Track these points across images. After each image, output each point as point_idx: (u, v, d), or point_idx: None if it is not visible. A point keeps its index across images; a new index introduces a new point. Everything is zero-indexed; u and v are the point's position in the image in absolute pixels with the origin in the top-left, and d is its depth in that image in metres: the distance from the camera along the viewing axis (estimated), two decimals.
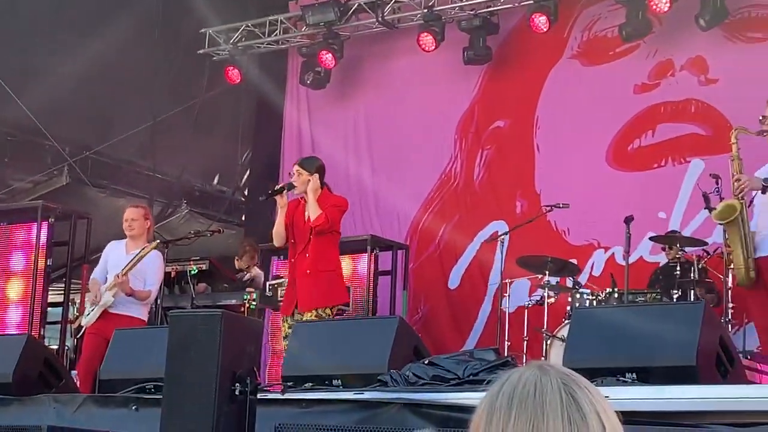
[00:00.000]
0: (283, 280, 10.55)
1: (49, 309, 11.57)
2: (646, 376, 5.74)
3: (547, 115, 12.25)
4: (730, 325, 8.91)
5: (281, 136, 14.17)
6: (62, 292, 11.86)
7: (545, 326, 9.97)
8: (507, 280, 10.56)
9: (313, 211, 8.57)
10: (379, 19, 12.77)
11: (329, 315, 8.57)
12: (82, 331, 9.60)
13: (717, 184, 8.32)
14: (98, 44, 12.53)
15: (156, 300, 10.00)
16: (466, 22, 12.29)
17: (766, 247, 7.41)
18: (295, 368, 7.10)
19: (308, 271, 8.57)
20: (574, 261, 10.94)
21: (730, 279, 8.70)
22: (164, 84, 13.88)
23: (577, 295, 9.96)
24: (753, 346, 8.98)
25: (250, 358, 6.00)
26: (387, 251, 11.83)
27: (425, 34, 12.32)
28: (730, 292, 8.88)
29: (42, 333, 11.19)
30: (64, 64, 12.47)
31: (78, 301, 11.63)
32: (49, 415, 7.06)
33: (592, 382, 5.58)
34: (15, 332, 10.69)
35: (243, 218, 15.71)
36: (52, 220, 11.31)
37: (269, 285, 10.71)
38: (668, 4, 10.95)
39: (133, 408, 6.79)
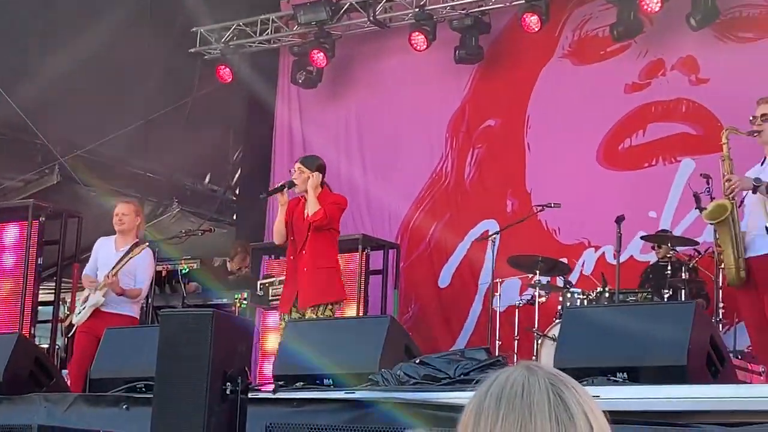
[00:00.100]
0: (274, 279, 10.56)
1: (39, 308, 11.56)
2: (637, 375, 5.76)
3: (538, 115, 12.26)
4: (720, 325, 8.93)
5: (272, 135, 14.17)
6: (53, 290, 11.85)
7: (536, 326, 9.97)
8: (498, 280, 10.56)
9: (312, 207, 8.63)
10: (371, 18, 12.77)
11: (331, 313, 8.62)
12: (74, 329, 9.58)
13: (708, 184, 8.33)
14: (89, 43, 12.51)
15: (147, 299, 9.99)
16: (458, 21, 12.29)
17: (757, 247, 7.42)
18: (286, 367, 7.10)
19: (305, 269, 8.61)
20: (565, 260, 10.95)
21: (720, 279, 8.71)
22: (155, 83, 13.86)
23: (568, 295, 9.96)
24: (744, 346, 9.00)
25: (241, 357, 6.00)
26: (378, 250, 11.84)
27: (417, 33, 12.32)
28: (720, 291, 8.90)
29: (33, 332, 11.17)
30: (55, 63, 12.45)
31: (69, 300, 11.62)
32: (39, 414, 7.06)
33: (582, 381, 5.60)
34: (5, 331, 10.67)
35: (234, 217, 15.70)
36: (43, 218, 11.30)
37: (260, 284, 10.71)
38: (659, 4, 10.97)
39: (124, 407, 6.79)
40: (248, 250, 12.27)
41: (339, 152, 13.17)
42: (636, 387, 5.62)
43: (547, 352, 9.40)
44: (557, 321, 9.55)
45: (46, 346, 11.43)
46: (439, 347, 10.69)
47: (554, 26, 12.10)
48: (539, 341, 9.85)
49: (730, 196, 7.47)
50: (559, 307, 10.00)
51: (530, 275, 10.33)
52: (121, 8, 12.86)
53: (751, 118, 7.65)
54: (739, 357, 8.74)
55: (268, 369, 9.79)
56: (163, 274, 11.35)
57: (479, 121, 12.69)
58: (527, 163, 12.23)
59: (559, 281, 10.51)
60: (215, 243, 13.45)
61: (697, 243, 9.95)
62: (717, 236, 7.72)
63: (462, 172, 12.70)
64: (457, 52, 12.32)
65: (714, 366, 5.88)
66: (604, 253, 11.31)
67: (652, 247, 10.64)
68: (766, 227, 7.28)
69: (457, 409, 1.93)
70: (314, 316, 8.47)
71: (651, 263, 10.59)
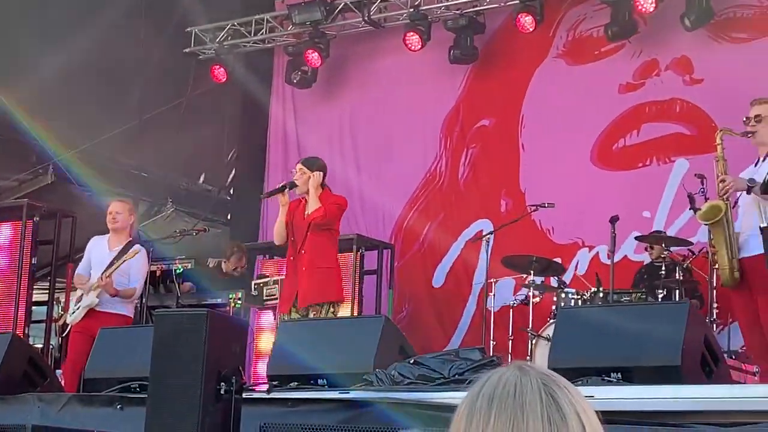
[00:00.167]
0: (268, 279, 10.57)
1: (33, 308, 11.56)
2: (631, 375, 5.76)
3: (533, 115, 12.27)
4: (714, 325, 8.94)
5: (267, 135, 14.16)
6: (47, 290, 11.83)
7: (530, 326, 9.98)
8: (492, 280, 10.57)
9: (312, 205, 8.74)
10: (366, 18, 12.77)
11: (333, 313, 8.68)
12: (68, 329, 9.58)
13: (702, 184, 8.34)
14: (84, 42, 12.49)
15: (141, 299, 9.99)
16: (452, 21, 12.29)
17: (750, 247, 7.43)
18: (280, 367, 7.10)
19: (304, 268, 8.67)
20: (559, 260, 10.95)
21: (714, 279, 8.72)
22: (150, 83, 13.85)
23: (563, 295, 9.97)
24: (737, 346, 9.02)
25: (235, 357, 6.00)
26: (373, 250, 11.85)
27: (411, 33, 12.32)
28: (714, 292, 8.91)
29: (27, 332, 11.17)
30: (50, 62, 12.43)
31: (63, 299, 11.60)
32: (33, 414, 7.05)
33: (577, 381, 5.59)
34: None
35: (228, 217, 15.69)
36: (37, 218, 11.29)
37: (254, 284, 10.71)
38: (654, 5, 10.97)
39: (118, 407, 6.78)
40: (244, 250, 12.26)
41: (333, 152, 13.17)
42: (630, 387, 5.62)
43: (541, 353, 9.40)
44: (551, 321, 9.56)
45: (40, 345, 11.41)
46: (434, 347, 10.68)
47: (548, 26, 12.10)
48: (533, 341, 9.85)
49: (725, 196, 7.48)
50: (554, 308, 10.01)
51: (524, 275, 10.34)
52: (115, 8, 12.84)
53: (744, 119, 7.66)
54: (733, 357, 8.77)
55: (262, 369, 9.80)
56: (158, 274, 11.34)
57: (473, 121, 12.69)
58: (521, 162, 12.23)
59: (553, 281, 10.52)
60: (210, 243, 13.45)
61: (691, 243, 9.97)
62: (711, 237, 7.73)
63: (456, 172, 12.70)
64: (451, 52, 12.32)
65: (708, 366, 5.89)
66: (598, 252, 11.32)
67: (646, 248, 10.65)
68: (760, 228, 7.29)
69: (452, 409, 1.93)
70: (317, 316, 8.53)
71: (645, 263, 10.61)
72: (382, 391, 6.08)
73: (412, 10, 12.43)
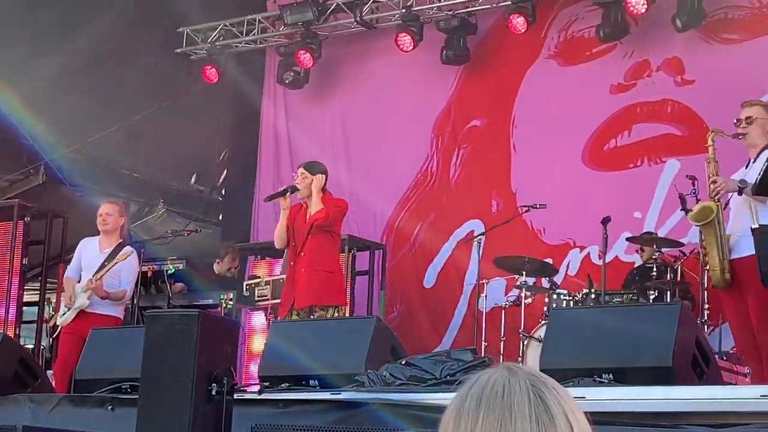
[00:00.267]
0: (260, 279, 10.56)
1: (24, 308, 11.54)
2: (623, 376, 5.77)
3: (524, 115, 12.27)
4: (706, 326, 8.96)
5: (259, 135, 14.15)
6: (38, 291, 11.82)
7: (522, 327, 9.98)
8: (483, 281, 10.57)
9: (315, 206, 8.84)
10: (358, 19, 12.77)
11: (335, 314, 8.75)
12: (58, 330, 9.57)
13: (694, 185, 8.35)
14: (75, 43, 12.48)
15: (132, 299, 9.98)
16: (444, 22, 12.29)
17: (741, 248, 7.44)
18: (271, 368, 7.10)
19: (303, 270, 8.71)
20: (550, 260, 10.96)
21: (706, 280, 8.73)
22: (142, 83, 13.82)
23: (554, 296, 9.98)
24: (729, 347, 9.03)
25: (227, 358, 5.99)
26: (364, 251, 11.85)
27: (403, 34, 12.32)
28: (706, 293, 8.92)
29: (17, 332, 11.15)
30: (41, 62, 12.41)
31: (54, 300, 11.60)
32: (24, 414, 7.03)
33: (568, 382, 5.59)
34: None
35: (220, 217, 15.68)
36: (28, 218, 11.29)
37: (246, 285, 10.70)
38: (645, 6, 10.98)
39: (109, 408, 6.77)
40: (237, 250, 12.26)
41: (325, 152, 13.14)
42: (622, 388, 5.63)
43: (533, 354, 9.41)
44: (543, 322, 9.57)
45: (31, 346, 11.40)
46: (425, 347, 10.69)
47: (540, 27, 12.11)
48: (525, 342, 9.85)
49: (716, 198, 7.49)
50: (545, 308, 10.01)
51: (516, 276, 10.34)
52: (107, 9, 12.82)
53: (735, 121, 7.68)
54: (725, 358, 8.78)
55: (254, 370, 9.80)
56: (149, 275, 11.33)
57: (465, 122, 12.70)
58: (513, 163, 12.24)
59: (545, 282, 10.52)
60: (201, 243, 13.44)
61: (682, 245, 9.98)
62: (702, 238, 7.74)
63: (447, 172, 12.70)
64: (443, 52, 12.32)
65: (699, 367, 5.89)
66: (589, 253, 11.33)
67: (637, 249, 10.67)
68: (751, 229, 7.30)
69: (443, 410, 1.93)
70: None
71: (637, 265, 10.62)
72: (374, 392, 6.08)
73: (404, 10, 12.43)
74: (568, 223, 11.54)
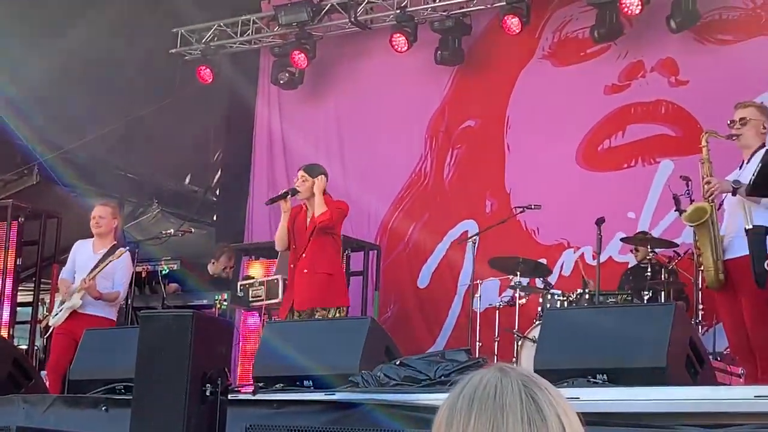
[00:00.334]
0: (254, 280, 10.56)
1: (18, 309, 11.53)
2: (617, 377, 5.77)
3: (518, 115, 12.27)
4: (700, 327, 8.96)
5: (253, 135, 14.14)
6: (32, 291, 11.81)
7: (516, 327, 9.98)
8: (478, 281, 10.56)
9: (319, 208, 8.92)
10: (352, 19, 12.76)
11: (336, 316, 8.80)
12: (50, 330, 9.56)
13: (687, 186, 8.36)
14: (69, 42, 12.46)
15: (126, 300, 9.97)
16: (439, 23, 12.29)
17: (735, 248, 7.46)
18: (266, 369, 7.10)
19: (305, 271, 8.77)
20: (544, 261, 10.97)
21: (700, 280, 8.74)
22: (136, 83, 13.82)
23: (548, 296, 9.98)
24: (723, 348, 9.04)
25: (221, 358, 5.99)
26: (359, 251, 11.85)
27: (398, 34, 12.32)
28: (700, 293, 8.93)
29: (11, 333, 11.14)
30: (35, 62, 12.40)
31: (48, 300, 11.59)
32: (18, 415, 7.02)
33: (562, 383, 5.59)
34: None
35: (215, 218, 15.68)
36: (22, 219, 11.28)
37: (240, 285, 10.69)
38: (640, 7, 10.99)
39: (103, 409, 6.76)
40: (233, 251, 12.25)
41: (319, 152, 13.15)
42: (616, 389, 5.63)
43: (527, 354, 9.40)
44: (537, 323, 9.57)
45: (25, 347, 11.39)
46: (419, 347, 10.69)
47: (534, 27, 12.11)
48: (519, 343, 9.85)
49: (710, 198, 7.51)
50: (539, 309, 10.01)
51: (510, 276, 10.34)
52: (101, 8, 12.81)
53: (729, 122, 7.69)
54: (719, 359, 8.78)
55: (248, 370, 9.79)
56: (143, 275, 11.32)
57: (459, 122, 12.69)
58: (507, 163, 12.24)
59: (539, 282, 10.53)
60: (196, 243, 13.44)
61: (676, 245, 9.98)
62: (696, 238, 7.75)
63: (441, 173, 12.70)
64: (438, 53, 12.33)
65: (693, 368, 5.90)
66: (583, 253, 11.33)
67: (631, 250, 10.68)
68: (745, 229, 7.31)
69: (437, 410, 1.93)
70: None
71: (631, 265, 10.62)
72: (368, 393, 6.08)
73: (398, 11, 12.43)
74: (562, 223, 11.54)
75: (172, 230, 10.98)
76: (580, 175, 11.71)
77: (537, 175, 11.78)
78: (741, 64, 10.82)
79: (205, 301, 11.02)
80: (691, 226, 7.73)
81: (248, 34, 13.62)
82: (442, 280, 12.33)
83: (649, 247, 10.02)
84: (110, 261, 9.36)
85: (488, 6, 12.19)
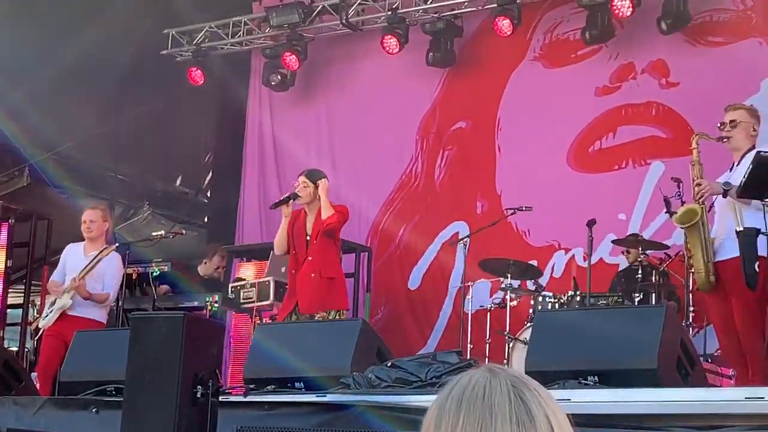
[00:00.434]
0: (245, 282, 10.55)
1: (8, 310, 11.51)
2: (608, 378, 5.77)
3: (509, 117, 12.28)
4: (691, 328, 8.97)
5: (244, 137, 14.13)
6: (22, 293, 11.79)
7: (507, 329, 9.98)
8: (469, 283, 10.56)
9: (326, 210, 9.01)
10: (343, 21, 12.75)
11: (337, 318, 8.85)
12: (41, 332, 9.55)
13: (678, 188, 8.37)
14: (60, 44, 12.44)
15: (117, 302, 9.96)
16: (430, 24, 12.28)
17: (726, 250, 7.47)
18: (257, 370, 7.09)
19: (312, 275, 8.82)
20: (535, 263, 10.96)
21: (691, 282, 8.75)
22: (127, 85, 13.80)
23: (540, 298, 9.98)
24: (713, 349, 9.05)
25: (212, 360, 5.98)
26: (350, 253, 11.84)
27: (389, 36, 12.32)
28: (691, 295, 8.94)
29: (1, 334, 11.12)
30: (25, 64, 12.37)
31: (38, 302, 11.56)
32: (8, 417, 7.01)
33: (553, 384, 5.59)
34: None
35: (206, 220, 15.67)
36: (13, 221, 11.26)
37: (231, 287, 10.68)
38: (631, 9, 11.00)
39: (94, 410, 6.75)
40: (225, 251, 12.23)
41: (310, 154, 13.16)
42: (607, 390, 5.64)
43: (518, 356, 9.41)
44: (528, 324, 9.57)
45: (15, 348, 11.37)
46: (410, 349, 10.70)
47: (526, 29, 12.12)
48: (510, 345, 9.86)
49: (700, 200, 7.52)
50: (531, 311, 10.01)
51: (501, 278, 10.34)
52: (92, 10, 12.79)
53: (719, 124, 7.71)
54: (710, 360, 8.79)
55: (239, 372, 9.80)
56: (134, 277, 11.31)
57: (450, 123, 12.69)
58: (498, 165, 12.24)
59: (530, 284, 10.53)
60: (187, 245, 13.41)
61: (667, 247, 9.99)
62: (687, 240, 7.76)
63: (432, 174, 12.70)
64: (429, 54, 12.32)
65: (684, 369, 5.91)
66: (574, 255, 11.34)
67: (622, 251, 10.68)
68: (736, 231, 7.32)
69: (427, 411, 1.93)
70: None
71: (623, 268, 10.63)
72: (360, 395, 6.08)
73: (389, 13, 12.42)
74: (553, 225, 11.55)
75: (163, 232, 10.96)
76: (571, 177, 11.72)
77: (528, 176, 11.79)
78: (732, 65, 10.85)
79: (196, 303, 11.01)
80: (682, 227, 7.74)
81: (239, 36, 13.61)
82: (433, 282, 12.33)
83: (640, 249, 10.02)
84: (99, 258, 9.35)
85: (479, 8, 12.20)
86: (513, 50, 12.29)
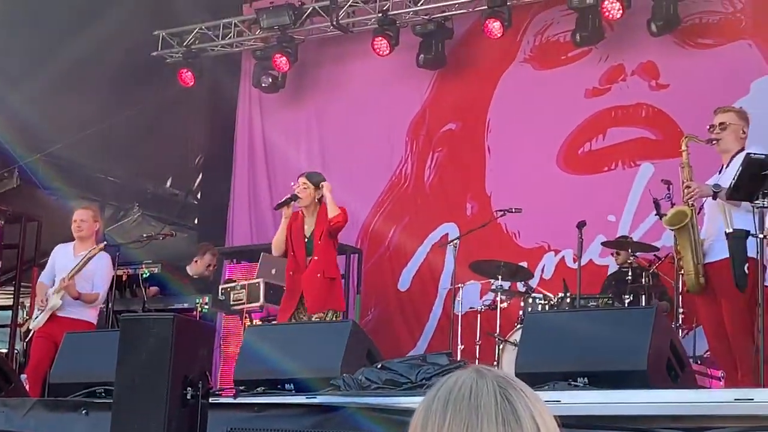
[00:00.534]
0: (235, 284, 10.54)
1: None
2: (598, 380, 5.78)
3: (499, 118, 12.29)
4: (680, 330, 8.98)
5: (234, 138, 14.12)
6: (11, 295, 11.76)
7: (498, 331, 9.98)
8: (459, 285, 10.56)
9: (332, 209, 9.13)
10: (334, 23, 12.75)
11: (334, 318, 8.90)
12: (31, 334, 9.53)
13: (668, 189, 8.39)
14: (49, 45, 12.42)
15: (107, 303, 9.94)
16: (421, 26, 12.29)
17: (715, 252, 7.49)
18: (247, 372, 7.09)
19: (318, 275, 8.87)
20: (525, 264, 10.97)
21: (680, 284, 8.76)
22: (116, 86, 13.77)
23: (530, 300, 9.98)
24: (703, 351, 9.06)
25: (202, 361, 5.98)
26: (340, 255, 11.82)
27: (380, 38, 12.32)
28: (681, 296, 8.95)
29: None
30: (15, 66, 12.35)
31: (28, 304, 11.54)
32: None
33: (543, 386, 5.60)
34: None
35: (196, 221, 15.64)
36: (2, 222, 11.25)
37: (222, 289, 10.67)
38: (621, 11, 11.02)
39: (83, 412, 6.74)
40: (216, 250, 12.21)
41: (300, 155, 13.17)
42: (596, 392, 5.64)
43: (508, 358, 9.41)
44: (519, 326, 9.58)
45: (4, 350, 11.35)
46: (400, 351, 10.70)
47: (516, 31, 12.13)
48: (500, 346, 9.86)
49: (690, 202, 7.54)
50: (521, 312, 10.01)
51: (491, 280, 10.34)
52: (81, 11, 12.76)
53: (709, 127, 7.73)
54: (699, 362, 8.80)
55: (229, 374, 9.79)
56: (124, 279, 11.29)
57: (440, 125, 12.70)
58: (487, 166, 12.25)
59: (520, 286, 10.53)
60: (177, 246, 13.39)
61: (657, 249, 10.00)
62: (676, 242, 7.78)
63: (422, 176, 12.71)
64: (419, 56, 12.33)
65: (674, 371, 5.92)
66: (563, 257, 11.35)
67: (612, 253, 10.70)
68: (725, 233, 7.34)
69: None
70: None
71: (613, 270, 10.64)
72: (350, 396, 6.08)
73: (380, 15, 12.42)
74: (543, 226, 11.56)
75: (153, 233, 10.95)
76: (560, 178, 11.73)
77: (518, 178, 11.80)
78: (721, 67, 10.87)
79: (186, 305, 10.99)
80: (672, 229, 7.76)
81: (230, 37, 13.60)
82: (423, 284, 12.33)
83: (629, 250, 10.03)
84: (89, 257, 9.33)
85: (470, 10, 12.21)
86: (503, 52, 12.30)
